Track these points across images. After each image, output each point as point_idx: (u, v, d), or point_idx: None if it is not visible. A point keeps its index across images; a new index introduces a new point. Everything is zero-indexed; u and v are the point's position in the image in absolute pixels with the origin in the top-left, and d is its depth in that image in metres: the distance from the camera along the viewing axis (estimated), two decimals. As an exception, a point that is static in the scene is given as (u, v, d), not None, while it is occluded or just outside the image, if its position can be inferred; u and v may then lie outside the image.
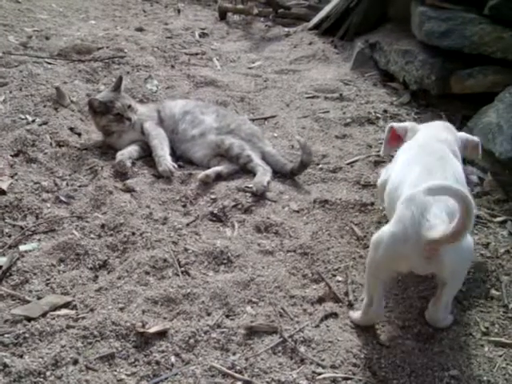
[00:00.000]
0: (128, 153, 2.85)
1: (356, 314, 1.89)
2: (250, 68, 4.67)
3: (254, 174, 2.70)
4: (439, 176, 1.81)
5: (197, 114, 3.02)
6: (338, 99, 3.93)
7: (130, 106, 2.98)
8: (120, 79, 3.05)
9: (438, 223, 1.63)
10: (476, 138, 2.27)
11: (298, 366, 1.71)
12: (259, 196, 2.57)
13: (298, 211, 2.54)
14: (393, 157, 2.31)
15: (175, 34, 5.35)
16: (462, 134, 2.27)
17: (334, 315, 1.93)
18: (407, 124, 2.34)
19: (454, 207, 1.63)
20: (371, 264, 1.78)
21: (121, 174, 2.74)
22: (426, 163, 1.89)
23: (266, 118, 3.57)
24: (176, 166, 2.80)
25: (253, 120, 3.42)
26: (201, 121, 2.98)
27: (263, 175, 2.66)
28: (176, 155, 2.96)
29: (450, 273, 1.74)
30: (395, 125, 2.33)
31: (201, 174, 2.67)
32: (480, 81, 3.36)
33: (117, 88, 3.02)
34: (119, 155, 2.80)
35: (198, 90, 3.93)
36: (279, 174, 2.84)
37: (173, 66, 4.39)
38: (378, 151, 3.09)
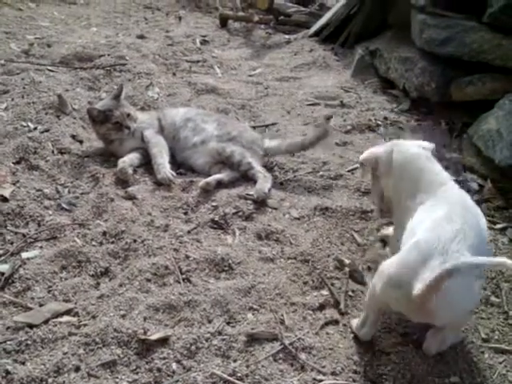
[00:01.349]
0: (129, 160, 2.85)
1: (354, 323, 1.88)
2: (250, 75, 4.69)
3: (255, 182, 2.71)
4: (459, 224, 1.64)
5: (198, 122, 3.02)
6: (338, 106, 3.95)
7: (129, 115, 2.98)
8: (121, 87, 3.06)
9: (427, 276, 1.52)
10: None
11: (298, 372, 1.71)
12: (260, 203, 2.58)
13: (298, 218, 2.54)
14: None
15: (176, 41, 5.39)
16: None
17: (335, 322, 1.93)
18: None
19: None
20: (370, 290, 1.76)
21: (122, 182, 2.75)
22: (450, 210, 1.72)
23: (267, 126, 3.58)
24: (175, 173, 2.79)
25: (254, 127, 3.43)
26: (202, 129, 2.98)
27: (264, 182, 2.67)
28: (177, 163, 2.97)
29: (444, 322, 1.68)
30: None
31: (201, 181, 2.68)
32: (480, 88, 3.38)
33: (117, 96, 3.02)
34: (121, 162, 2.80)
35: (199, 98, 3.94)
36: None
37: (174, 74, 4.42)
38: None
